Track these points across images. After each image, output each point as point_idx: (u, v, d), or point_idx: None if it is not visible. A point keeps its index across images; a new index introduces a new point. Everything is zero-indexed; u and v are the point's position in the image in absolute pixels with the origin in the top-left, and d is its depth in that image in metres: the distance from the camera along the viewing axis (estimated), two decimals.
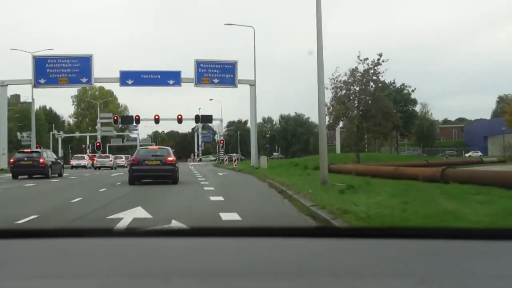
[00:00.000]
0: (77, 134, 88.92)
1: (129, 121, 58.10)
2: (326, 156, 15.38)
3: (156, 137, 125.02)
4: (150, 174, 18.66)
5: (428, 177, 15.80)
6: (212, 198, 12.76)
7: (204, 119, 58.97)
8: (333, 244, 1.48)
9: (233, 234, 1.59)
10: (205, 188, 16.34)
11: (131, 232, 1.74)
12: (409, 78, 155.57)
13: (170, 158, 18.90)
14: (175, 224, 7.46)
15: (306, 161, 37.18)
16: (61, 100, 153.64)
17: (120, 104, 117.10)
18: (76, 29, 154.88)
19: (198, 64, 41.21)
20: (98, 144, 58.27)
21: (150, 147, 22.91)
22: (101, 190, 16.35)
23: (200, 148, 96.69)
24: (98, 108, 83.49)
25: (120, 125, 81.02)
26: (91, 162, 46.71)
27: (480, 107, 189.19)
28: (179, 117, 58.82)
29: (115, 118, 57.05)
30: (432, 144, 79.55)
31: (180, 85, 42.29)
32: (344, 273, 1.20)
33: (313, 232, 1.69)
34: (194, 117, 59.08)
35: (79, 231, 1.66)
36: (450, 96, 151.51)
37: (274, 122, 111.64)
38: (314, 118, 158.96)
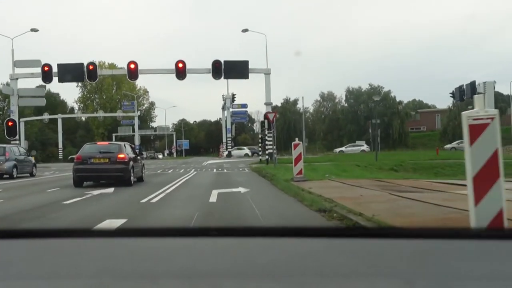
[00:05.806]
0: (45, 116, 60.76)
1: (77, 76, 27.79)
2: None
3: (179, 126, 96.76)
4: (96, 175, 16.38)
5: None
6: None
7: (229, 69, 28.34)
8: (319, 244, 1.46)
9: (223, 234, 1.56)
10: None
11: (116, 232, 1.68)
12: None
13: (121, 156, 16.32)
14: None
15: None
16: (70, 87, 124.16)
17: (138, 87, 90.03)
18: None
19: None
20: (10, 124, 28.47)
21: (98, 143, 19.27)
22: None
23: (229, 134, 61.65)
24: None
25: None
26: None
27: None
28: (180, 66, 28.36)
29: (45, 68, 27.10)
30: None
31: None
32: (330, 274, 1.20)
33: (300, 232, 1.61)
34: (211, 66, 28.60)
35: (63, 231, 1.61)
36: None
37: (337, 100, 79.94)
38: (397, 91, 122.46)
